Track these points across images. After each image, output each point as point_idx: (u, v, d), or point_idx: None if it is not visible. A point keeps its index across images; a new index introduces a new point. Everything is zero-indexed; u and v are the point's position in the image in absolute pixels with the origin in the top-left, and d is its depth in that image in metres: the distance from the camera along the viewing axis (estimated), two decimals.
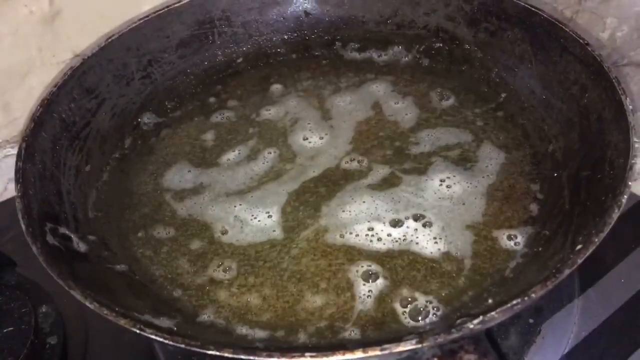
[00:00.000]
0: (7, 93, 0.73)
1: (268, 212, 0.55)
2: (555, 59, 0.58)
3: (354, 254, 0.52)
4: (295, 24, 0.73)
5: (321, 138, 0.62)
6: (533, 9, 0.60)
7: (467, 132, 0.61)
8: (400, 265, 0.50)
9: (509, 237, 0.51)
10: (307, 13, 0.73)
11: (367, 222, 0.53)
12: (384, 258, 0.51)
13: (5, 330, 0.54)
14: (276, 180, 0.58)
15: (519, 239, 0.51)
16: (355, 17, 0.72)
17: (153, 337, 0.38)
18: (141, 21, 0.65)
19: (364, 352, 0.35)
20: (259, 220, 0.55)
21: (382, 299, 0.48)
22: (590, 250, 0.40)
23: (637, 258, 0.59)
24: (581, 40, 0.55)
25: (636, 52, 0.84)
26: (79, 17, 0.73)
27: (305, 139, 0.62)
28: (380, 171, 0.58)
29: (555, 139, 0.56)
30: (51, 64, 0.74)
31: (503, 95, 0.63)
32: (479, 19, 0.65)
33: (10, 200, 0.72)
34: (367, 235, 0.53)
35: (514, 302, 0.37)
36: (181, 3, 0.67)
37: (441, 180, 0.56)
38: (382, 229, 0.53)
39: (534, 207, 0.53)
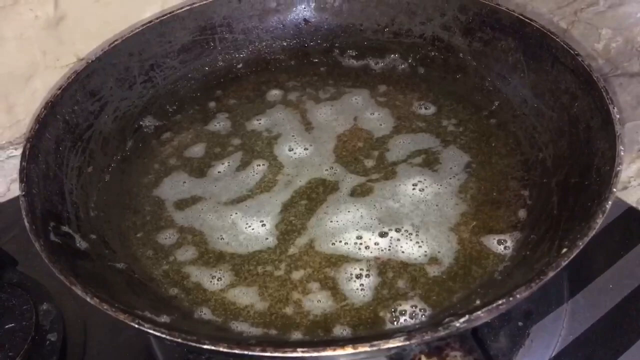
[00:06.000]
0: (11, 95, 0.75)
1: (262, 221, 0.57)
2: (546, 69, 0.60)
3: (344, 260, 0.53)
4: (294, 31, 0.74)
5: (306, 149, 0.64)
6: (526, 19, 0.62)
7: (457, 139, 0.63)
8: (389, 270, 0.52)
9: (499, 242, 0.52)
10: (306, 21, 0.74)
11: (355, 230, 0.55)
12: (374, 263, 0.52)
13: (6, 327, 0.55)
14: (268, 192, 0.60)
15: (509, 243, 0.52)
16: (353, 26, 0.74)
17: (151, 331, 0.39)
18: (144, 26, 0.66)
19: (354, 347, 0.36)
20: (253, 229, 0.56)
21: (372, 300, 0.50)
22: (574, 254, 0.41)
23: (625, 264, 0.60)
24: (572, 51, 0.56)
25: (630, 63, 0.85)
26: (83, 23, 0.74)
27: (290, 149, 0.64)
28: (366, 181, 0.60)
29: (546, 146, 0.58)
30: (55, 67, 0.75)
31: (496, 103, 0.65)
32: (474, 28, 0.67)
33: (13, 201, 0.73)
34: (355, 243, 0.54)
35: (499, 302, 0.38)
36: (183, 9, 0.69)
37: (414, 185, 0.58)
38: (370, 237, 0.54)
39: (523, 213, 0.54)
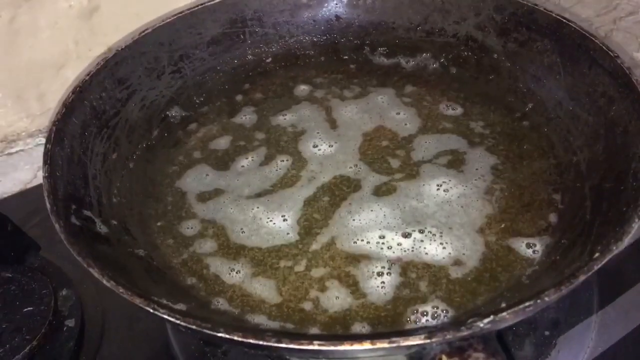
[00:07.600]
0: (43, 84, 0.76)
1: (284, 216, 0.56)
2: (584, 71, 0.58)
3: (366, 258, 0.52)
4: (325, 27, 0.74)
5: (330, 146, 0.63)
6: (564, 20, 0.60)
7: (485, 140, 0.61)
8: (411, 270, 0.50)
9: (528, 245, 0.51)
10: (337, 17, 0.74)
11: (378, 230, 0.54)
12: (396, 263, 0.51)
13: (24, 310, 0.55)
14: (291, 187, 0.59)
15: (538, 247, 0.50)
16: (385, 23, 0.73)
17: (166, 317, 0.38)
18: (174, 17, 0.66)
19: (372, 343, 0.35)
20: (274, 223, 0.56)
21: (393, 299, 0.48)
22: (607, 258, 0.39)
23: None
24: (611, 53, 0.55)
25: None
26: (115, 14, 0.75)
27: (315, 146, 0.63)
28: (390, 180, 0.58)
29: (580, 150, 0.56)
30: (87, 57, 0.76)
31: (529, 105, 0.63)
32: (509, 29, 0.65)
33: (39, 187, 0.74)
34: (378, 242, 0.53)
35: (526, 303, 0.36)
36: (215, 2, 0.68)
37: (439, 186, 0.57)
38: (393, 237, 0.53)
39: (554, 217, 0.53)
